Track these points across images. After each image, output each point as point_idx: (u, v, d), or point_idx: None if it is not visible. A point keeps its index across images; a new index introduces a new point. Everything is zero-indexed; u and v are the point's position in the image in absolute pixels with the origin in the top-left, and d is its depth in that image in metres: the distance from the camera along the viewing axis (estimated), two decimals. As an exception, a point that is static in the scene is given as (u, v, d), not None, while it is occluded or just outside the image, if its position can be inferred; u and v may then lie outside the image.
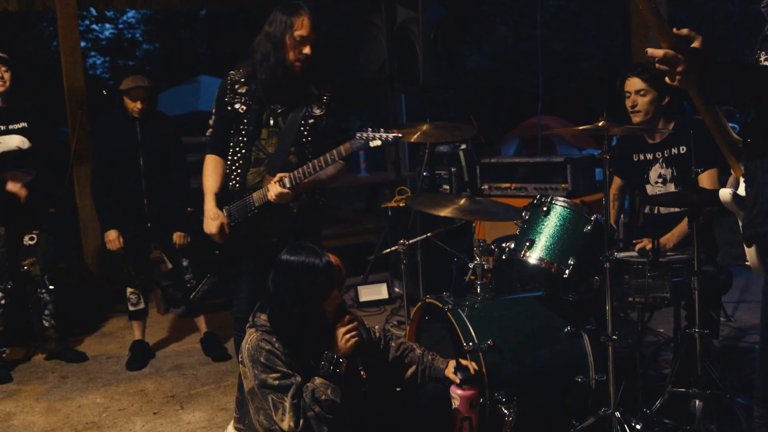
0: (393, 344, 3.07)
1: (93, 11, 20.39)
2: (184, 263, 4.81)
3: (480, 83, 17.52)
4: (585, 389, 3.28)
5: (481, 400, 3.01)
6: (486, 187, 5.58)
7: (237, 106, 3.37)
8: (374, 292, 5.95)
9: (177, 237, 4.67)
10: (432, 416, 2.85)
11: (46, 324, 4.87)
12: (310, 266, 2.68)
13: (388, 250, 4.46)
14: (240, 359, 2.80)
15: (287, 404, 2.59)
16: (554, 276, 3.30)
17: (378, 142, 3.14)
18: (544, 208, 3.38)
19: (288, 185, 3.21)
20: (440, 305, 3.37)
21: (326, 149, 3.22)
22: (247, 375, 2.72)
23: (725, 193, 2.60)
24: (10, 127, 4.56)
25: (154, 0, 6.61)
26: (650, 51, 2.08)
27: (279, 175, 3.23)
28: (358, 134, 3.16)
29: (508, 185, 5.47)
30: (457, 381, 2.91)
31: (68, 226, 6.25)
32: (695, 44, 2.09)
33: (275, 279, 2.73)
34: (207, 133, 3.51)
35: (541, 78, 5.87)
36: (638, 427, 3.11)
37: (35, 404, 4.24)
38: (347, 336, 2.73)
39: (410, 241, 4.20)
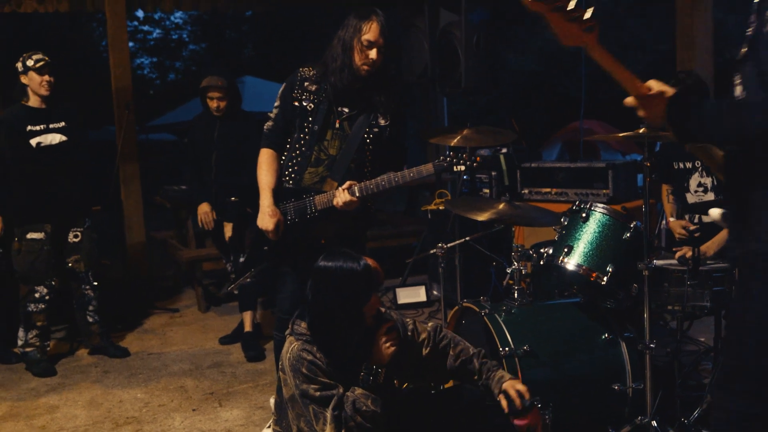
0: (452, 352, 2.93)
1: (141, 12, 20.78)
2: (241, 259, 4.88)
3: (523, 86, 17.42)
4: (622, 397, 3.25)
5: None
6: (526, 191, 5.54)
7: (305, 103, 3.37)
8: (412, 294, 5.96)
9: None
10: (469, 419, 2.84)
11: (90, 320, 4.98)
12: (348, 271, 2.66)
13: (427, 253, 4.46)
14: (280, 366, 2.77)
15: (328, 416, 2.58)
16: (592, 283, 3.28)
17: (462, 167, 3.19)
18: (583, 215, 3.35)
19: (357, 195, 3.21)
20: (477, 309, 3.37)
21: (384, 160, 3.32)
22: (288, 383, 2.70)
23: (715, 212, 2.60)
24: (51, 126, 4.69)
25: (200, 1, 6.71)
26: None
27: (348, 183, 3.23)
28: (441, 157, 3.23)
29: (548, 190, 5.43)
30: (506, 411, 2.80)
31: (113, 223, 6.39)
32: (663, 91, 2.08)
33: (314, 286, 2.70)
34: (266, 126, 3.48)
35: (585, 81, 5.82)
36: (676, 437, 3.07)
37: (78, 398, 4.34)
38: (387, 344, 2.72)
39: (449, 245, 4.20)
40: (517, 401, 2.80)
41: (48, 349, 4.85)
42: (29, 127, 4.61)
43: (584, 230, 3.33)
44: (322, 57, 3.40)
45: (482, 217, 3.65)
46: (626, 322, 3.41)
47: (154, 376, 4.65)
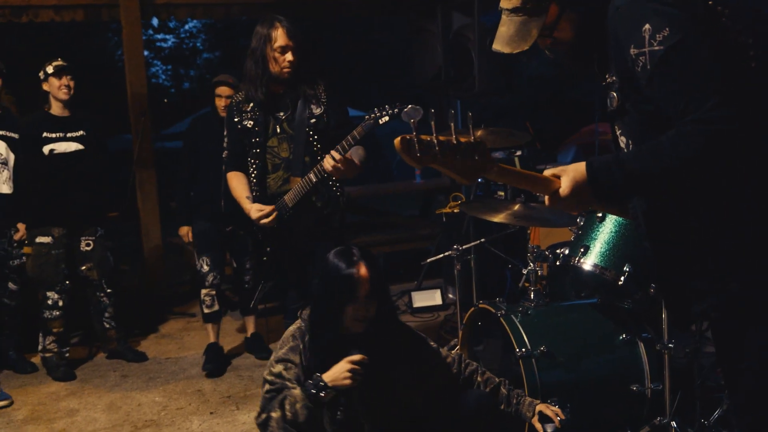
0: (479, 379, 2.96)
1: (155, 21, 20.93)
2: (247, 265, 4.91)
3: (537, 90, 17.36)
4: (640, 398, 3.24)
5: None
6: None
7: (246, 122, 3.74)
8: (428, 298, 5.96)
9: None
10: (476, 423, 2.82)
11: (107, 325, 5.01)
12: (334, 268, 2.70)
13: (442, 255, 4.46)
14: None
15: (263, 393, 2.71)
16: (609, 283, 3.27)
17: (386, 118, 3.35)
18: (599, 215, 3.35)
19: (338, 155, 3.40)
20: (493, 311, 3.37)
21: (335, 142, 3.46)
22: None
23: None
24: (68, 134, 4.73)
25: (214, 10, 6.75)
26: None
27: (330, 153, 3.44)
28: (367, 116, 3.38)
29: (563, 192, 5.41)
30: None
31: (130, 230, 6.43)
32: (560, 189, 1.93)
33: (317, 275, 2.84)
34: (224, 155, 3.88)
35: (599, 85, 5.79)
36: (695, 437, 3.06)
37: (97, 401, 4.37)
38: (346, 373, 2.62)
39: (464, 247, 4.20)
40: (556, 420, 2.81)
41: (66, 354, 4.89)
42: (45, 134, 4.67)
43: (601, 230, 3.32)
44: (243, 75, 3.75)
45: (497, 218, 3.66)
46: (644, 322, 3.40)
47: (171, 379, 4.67)
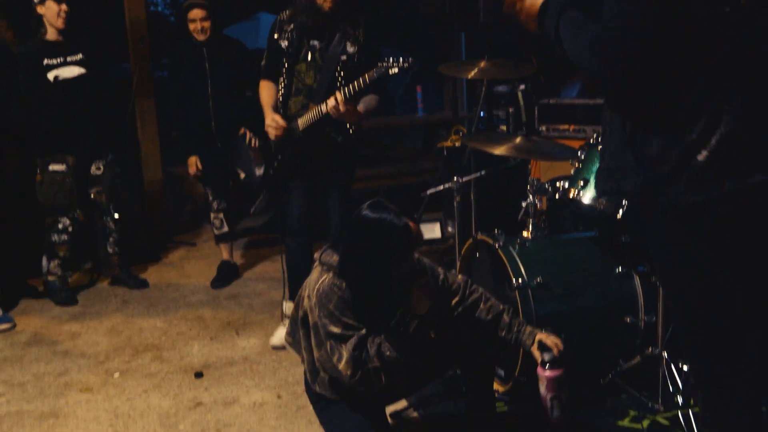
0: (482, 306, 2.95)
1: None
2: (258, 172, 4.92)
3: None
4: (633, 329, 3.28)
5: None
6: (543, 128, 5.49)
7: (281, 42, 3.83)
8: (428, 230, 5.98)
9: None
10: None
11: (111, 251, 5.06)
12: (388, 225, 2.57)
13: (442, 187, 4.46)
14: (307, 292, 2.73)
15: (345, 354, 2.55)
16: (607, 216, 3.28)
17: (395, 70, 3.44)
18: (601, 148, 3.33)
19: (340, 96, 3.51)
20: (491, 242, 3.39)
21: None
22: (312, 311, 2.67)
23: None
24: (68, 59, 4.68)
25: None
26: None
27: (335, 94, 3.55)
28: (379, 63, 3.45)
29: (566, 127, 5.37)
30: (539, 360, 2.85)
31: (130, 160, 6.41)
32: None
33: (352, 233, 2.66)
34: (261, 64, 3.99)
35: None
36: (685, 368, 3.10)
37: (99, 326, 4.44)
38: (419, 299, 2.63)
39: (464, 179, 4.20)
40: (555, 349, 2.84)
41: (69, 279, 4.94)
42: (46, 61, 4.62)
43: (601, 163, 3.31)
44: None
45: (499, 150, 3.64)
46: (641, 256, 3.42)
47: (172, 306, 4.74)
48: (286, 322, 3.87)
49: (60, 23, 4.57)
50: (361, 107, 3.71)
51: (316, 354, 2.71)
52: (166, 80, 5.76)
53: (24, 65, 4.67)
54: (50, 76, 4.63)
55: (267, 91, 3.93)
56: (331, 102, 3.56)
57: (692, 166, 1.84)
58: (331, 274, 2.65)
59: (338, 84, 3.70)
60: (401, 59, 3.46)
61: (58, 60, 4.65)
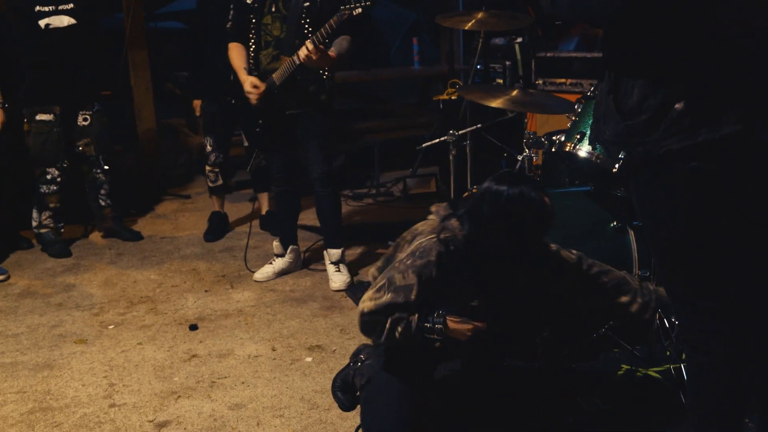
0: (605, 279, 2.80)
1: None
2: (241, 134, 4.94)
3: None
4: (627, 284, 3.28)
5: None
6: (540, 82, 5.44)
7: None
8: (422, 184, 5.97)
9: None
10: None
11: (103, 203, 5.03)
12: (521, 196, 2.45)
13: (438, 140, 4.43)
14: (410, 238, 2.65)
15: (383, 298, 2.46)
16: (603, 170, 3.26)
17: (359, 10, 3.48)
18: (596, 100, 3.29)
19: (311, 44, 3.60)
20: (486, 196, 3.37)
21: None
22: (401, 251, 2.61)
23: None
24: (60, 7, 4.60)
25: None
26: None
27: (305, 43, 3.66)
28: (342, 7, 3.51)
29: (563, 80, 5.32)
30: None
31: (123, 111, 6.35)
32: None
33: (481, 204, 2.51)
34: (227, 26, 4.06)
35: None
36: (676, 321, 3.11)
37: (93, 278, 4.44)
38: (466, 333, 2.50)
39: (460, 132, 4.17)
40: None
41: (62, 231, 4.93)
42: (38, 8, 4.54)
43: (598, 117, 3.27)
44: None
45: (495, 103, 3.61)
46: (636, 211, 3.40)
47: (166, 258, 4.73)
48: (275, 259, 4.36)
49: None
50: (332, 51, 3.78)
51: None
52: (171, 30, 5.67)
53: (15, 11, 4.58)
54: (41, 23, 4.55)
55: (237, 54, 4.00)
56: (302, 51, 3.65)
57: (669, 115, 1.84)
58: (441, 236, 2.53)
59: (305, 31, 3.81)
60: None
61: (50, 8, 4.57)
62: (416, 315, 2.46)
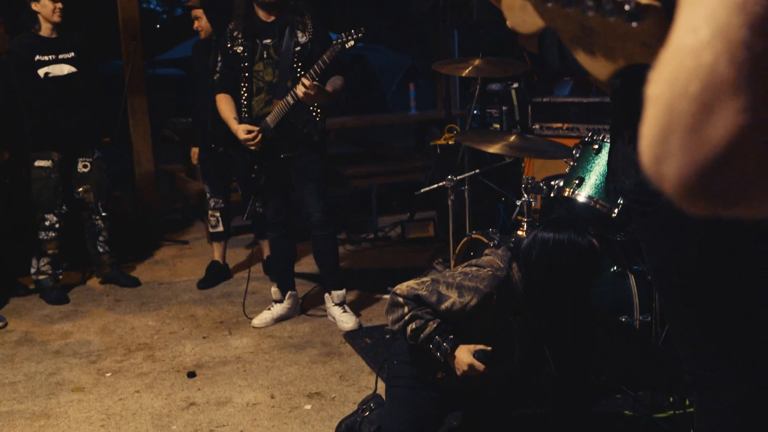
0: None
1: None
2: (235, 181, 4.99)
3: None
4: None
5: None
6: (537, 126, 5.49)
7: (236, 48, 3.98)
8: (420, 228, 5.97)
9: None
10: None
11: (101, 250, 5.02)
12: (581, 247, 2.47)
13: (436, 185, 4.45)
14: (474, 262, 2.61)
15: (419, 292, 2.49)
16: (602, 215, 3.27)
17: (351, 43, 3.60)
18: (596, 146, 3.33)
19: (308, 80, 3.65)
20: (486, 241, 3.38)
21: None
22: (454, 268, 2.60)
23: None
24: (60, 56, 4.65)
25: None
26: None
27: (301, 80, 3.70)
28: (335, 41, 3.64)
29: (560, 125, 5.37)
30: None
31: (122, 157, 6.38)
32: None
33: (533, 249, 2.52)
34: (214, 78, 4.09)
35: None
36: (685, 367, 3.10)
37: (91, 324, 4.41)
38: (466, 366, 2.46)
39: (458, 177, 4.19)
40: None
41: (60, 278, 4.91)
42: (38, 57, 4.59)
43: (596, 162, 3.31)
44: (233, 5, 4.02)
45: (493, 149, 3.63)
46: (636, 255, 3.41)
47: (164, 304, 4.71)
48: (273, 305, 4.27)
49: (56, 17, 4.56)
50: (329, 87, 3.85)
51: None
52: (169, 77, 5.77)
53: (15, 59, 4.64)
54: (41, 72, 4.60)
55: (226, 104, 4.03)
56: (299, 89, 3.69)
57: None
58: (497, 272, 2.52)
59: (297, 74, 3.88)
60: (353, 31, 3.62)
61: (50, 57, 4.62)
62: (436, 323, 2.48)
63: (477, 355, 2.46)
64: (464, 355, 2.48)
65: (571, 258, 2.48)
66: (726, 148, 0.45)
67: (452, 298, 2.48)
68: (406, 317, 2.49)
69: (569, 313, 2.57)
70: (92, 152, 4.87)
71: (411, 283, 2.55)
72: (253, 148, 3.94)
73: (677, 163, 0.48)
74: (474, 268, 2.55)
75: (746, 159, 0.45)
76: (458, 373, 2.50)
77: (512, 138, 3.66)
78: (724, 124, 0.45)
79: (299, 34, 3.93)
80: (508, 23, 1.38)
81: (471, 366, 2.47)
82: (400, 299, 2.51)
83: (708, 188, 0.48)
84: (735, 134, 0.45)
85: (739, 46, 0.44)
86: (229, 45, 4.02)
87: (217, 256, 5.20)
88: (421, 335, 2.48)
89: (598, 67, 1.02)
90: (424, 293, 2.49)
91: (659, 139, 0.49)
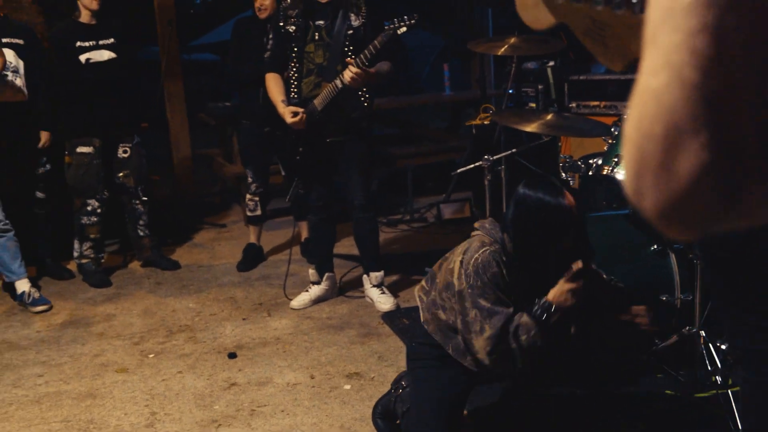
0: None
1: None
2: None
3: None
4: (670, 308, 3.24)
5: None
6: (574, 105, 5.42)
7: (289, 27, 3.95)
8: (457, 209, 5.96)
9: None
10: None
11: (141, 233, 5.10)
12: (549, 205, 2.50)
13: (472, 165, 4.43)
14: (461, 258, 2.60)
15: (488, 330, 2.47)
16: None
17: (404, 29, 3.58)
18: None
19: (356, 66, 3.64)
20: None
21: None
22: (461, 277, 2.57)
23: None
24: (100, 42, 4.71)
25: None
26: None
27: (349, 65, 3.69)
28: (386, 26, 3.61)
29: (597, 103, 5.30)
30: None
31: (160, 142, 6.46)
32: None
33: (515, 211, 2.56)
34: (266, 56, 4.10)
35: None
36: (723, 347, 3.06)
37: (133, 307, 4.49)
38: (568, 294, 2.50)
39: (494, 157, 4.16)
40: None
41: (102, 261, 5.00)
42: (79, 43, 4.65)
43: (635, 140, 3.26)
44: None
45: (530, 127, 3.60)
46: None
47: (204, 287, 4.77)
48: (311, 287, 4.38)
49: (95, 5, 4.61)
50: (374, 70, 3.81)
51: (449, 318, 2.63)
52: (205, 62, 5.78)
53: (57, 46, 4.71)
54: (82, 58, 4.66)
55: (275, 84, 4.02)
56: (347, 74, 3.68)
57: None
58: (492, 248, 2.56)
59: (348, 58, 3.81)
60: (406, 18, 3.58)
61: (91, 43, 4.68)
62: (523, 314, 2.49)
63: (565, 280, 2.49)
64: (558, 292, 2.50)
65: (542, 214, 2.50)
66: (692, 182, 0.49)
67: (499, 294, 2.49)
68: (515, 346, 2.47)
69: (552, 271, 2.55)
70: (132, 138, 4.94)
71: (478, 342, 2.49)
72: (297, 127, 3.91)
73: (652, 197, 0.53)
74: (473, 259, 2.54)
75: (712, 190, 0.49)
76: (571, 303, 2.50)
77: (549, 116, 3.63)
78: (688, 161, 0.49)
79: (353, 17, 3.89)
80: (523, 20, 1.38)
81: (571, 290, 2.49)
82: (497, 350, 2.48)
83: (680, 218, 0.53)
84: (699, 169, 0.49)
85: (692, 89, 0.48)
86: (281, 23, 3.99)
87: (253, 239, 5.25)
88: (533, 331, 2.46)
89: (613, 59, 1.03)
90: (497, 322, 2.46)
91: (635, 175, 0.53)
